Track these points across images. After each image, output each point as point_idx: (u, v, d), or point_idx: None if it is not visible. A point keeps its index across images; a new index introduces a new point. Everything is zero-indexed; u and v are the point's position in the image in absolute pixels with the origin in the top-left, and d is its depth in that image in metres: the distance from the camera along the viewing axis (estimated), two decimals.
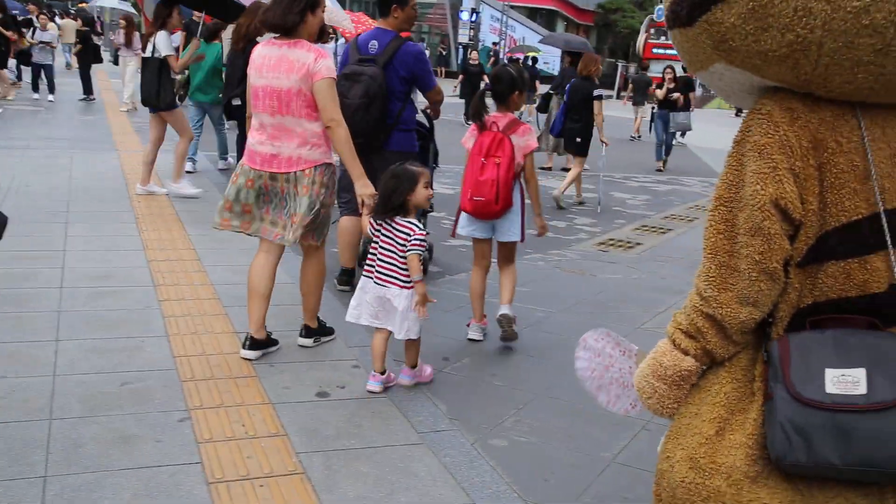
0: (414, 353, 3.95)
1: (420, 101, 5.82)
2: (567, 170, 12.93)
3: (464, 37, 42.11)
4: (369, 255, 3.83)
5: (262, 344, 4.16)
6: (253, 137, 4.08)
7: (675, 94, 14.13)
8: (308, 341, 4.35)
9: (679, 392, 1.92)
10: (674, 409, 1.94)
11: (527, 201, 4.74)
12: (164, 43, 7.53)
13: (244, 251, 6.07)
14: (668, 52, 42.44)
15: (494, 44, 39.43)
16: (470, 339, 4.77)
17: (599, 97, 9.72)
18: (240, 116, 7.28)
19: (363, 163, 4.08)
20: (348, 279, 5.52)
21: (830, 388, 1.62)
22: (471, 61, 21.00)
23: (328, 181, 4.05)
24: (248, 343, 4.12)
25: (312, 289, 4.28)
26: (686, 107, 14.36)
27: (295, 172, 3.98)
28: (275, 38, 4.00)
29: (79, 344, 4.12)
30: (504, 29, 44.34)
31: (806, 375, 1.64)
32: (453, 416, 3.73)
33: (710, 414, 1.84)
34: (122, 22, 15.33)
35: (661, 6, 48.93)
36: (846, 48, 1.61)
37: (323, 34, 7.22)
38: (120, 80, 16.22)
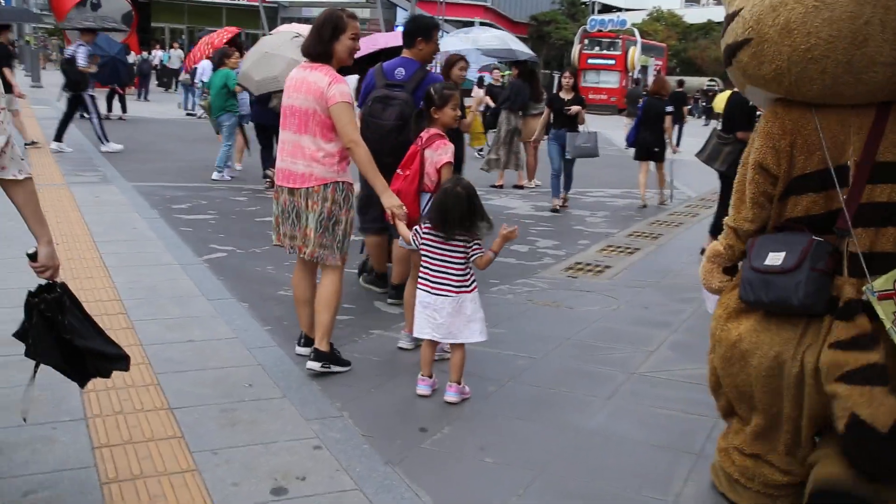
0: (461, 366, 4.08)
1: None
2: (519, 186, 12.50)
3: None
4: (422, 269, 4.08)
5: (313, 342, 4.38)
6: (279, 155, 4.34)
7: (574, 108, 10.43)
8: (316, 365, 4.29)
9: (711, 265, 3.25)
10: (709, 278, 3.27)
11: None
12: None
13: (178, 300, 5.32)
14: (603, 62, 42.58)
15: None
16: (399, 348, 4.78)
17: (670, 113, 11.73)
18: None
19: (389, 180, 4.42)
20: (397, 294, 5.57)
21: (766, 261, 2.88)
22: (493, 81, 17.96)
23: (341, 198, 4.22)
24: (310, 352, 4.36)
25: (325, 306, 4.31)
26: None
27: (307, 188, 4.18)
28: (306, 62, 4.32)
29: None
30: (438, 42, 43.79)
31: (757, 255, 2.93)
32: None
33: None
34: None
35: (593, 17, 49.15)
36: (803, 71, 2.78)
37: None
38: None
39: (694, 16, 68.16)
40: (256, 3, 42.76)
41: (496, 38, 14.35)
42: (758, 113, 6.51)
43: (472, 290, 4.02)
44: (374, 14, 40.06)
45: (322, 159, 4.17)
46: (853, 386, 2.68)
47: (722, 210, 8.09)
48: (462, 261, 3.99)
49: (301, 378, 4.21)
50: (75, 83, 12.79)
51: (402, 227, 4.24)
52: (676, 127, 20.68)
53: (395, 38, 8.46)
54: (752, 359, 2.97)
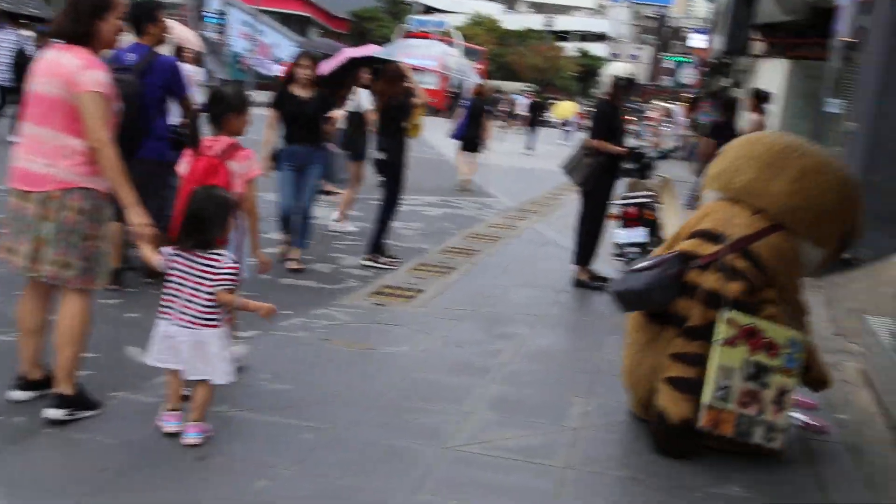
0: (205, 404, 3.51)
1: None
2: (327, 192, 11.48)
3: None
4: (164, 296, 3.51)
5: (35, 385, 3.75)
6: (17, 151, 3.68)
7: (337, 114, 7.72)
8: (59, 413, 3.53)
9: None
10: None
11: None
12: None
13: None
14: (423, 62, 42.07)
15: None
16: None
17: (489, 111, 15.10)
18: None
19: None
20: (116, 278, 5.32)
21: (638, 265, 4.13)
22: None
23: (90, 208, 3.58)
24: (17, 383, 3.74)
25: (68, 340, 3.59)
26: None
27: (43, 193, 3.53)
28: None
29: None
30: (255, 35, 41.90)
31: (633, 264, 4.49)
32: None
33: None
34: None
35: (414, 17, 48.74)
36: (737, 168, 4.05)
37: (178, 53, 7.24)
38: None
39: (512, 22, 69.72)
40: None
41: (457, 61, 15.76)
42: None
43: (218, 326, 3.50)
44: None
45: (68, 158, 3.54)
46: (669, 388, 3.76)
47: (582, 236, 7.37)
48: (210, 289, 3.45)
49: None
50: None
51: (147, 250, 3.64)
52: (532, 131, 25.09)
53: (362, 51, 9.35)
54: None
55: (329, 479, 3.32)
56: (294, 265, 6.92)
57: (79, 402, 3.61)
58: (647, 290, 3.79)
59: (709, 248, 3.86)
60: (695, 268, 3.84)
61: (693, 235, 4.02)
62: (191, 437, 3.44)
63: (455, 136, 14.38)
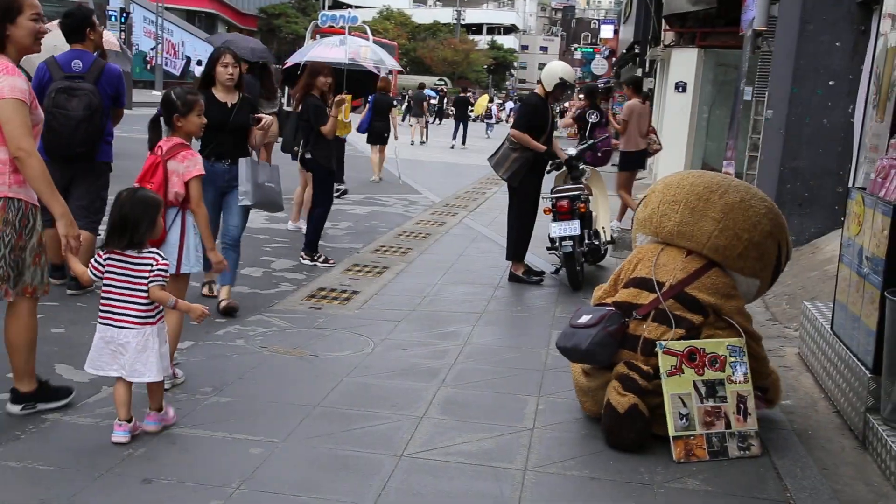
0: (160, 394, 3.66)
1: None
2: None
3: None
4: (102, 300, 3.52)
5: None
6: None
7: (266, 118, 5.82)
8: (16, 408, 3.69)
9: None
10: None
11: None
12: None
13: None
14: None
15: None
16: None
17: (395, 105, 14.99)
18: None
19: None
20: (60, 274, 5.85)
21: (579, 320, 3.96)
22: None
23: (15, 219, 3.50)
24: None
25: (20, 344, 3.67)
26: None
27: None
28: None
29: None
30: (160, 32, 40.75)
31: (575, 316, 4.03)
32: None
33: None
34: None
35: (324, 13, 48.16)
36: (666, 210, 4.11)
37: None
38: None
39: (422, 16, 69.73)
40: None
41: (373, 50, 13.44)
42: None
43: (157, 322, 3.57)
44: None
45: None
46: (618, 385, 3.81)
47: (514, 231, 7.28)
48: (146, 287, 3.51)
49: None
50: None
51: (75, 262, 3.63)
52: (461, 126, 26.14)
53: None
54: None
55: (283, 495, 3.16)
56: (225, 304, 5.68)
57: (39, 395, 3.72)
58: (591, 350, 3.85)
59: (646, 297, 3.97)
60: (634, 319, 3.94)
61: (629, 284, 4.10)
62: (149, 425, 3.61)
63: (360, 130, 14.46)
